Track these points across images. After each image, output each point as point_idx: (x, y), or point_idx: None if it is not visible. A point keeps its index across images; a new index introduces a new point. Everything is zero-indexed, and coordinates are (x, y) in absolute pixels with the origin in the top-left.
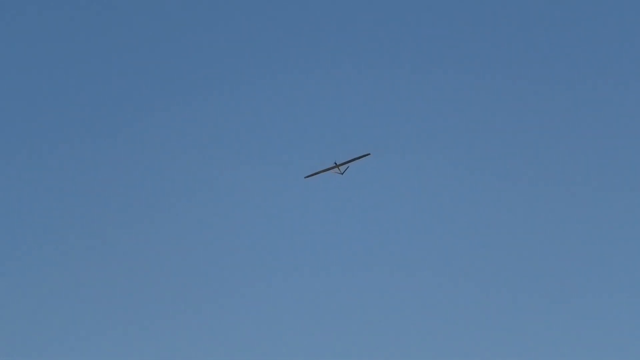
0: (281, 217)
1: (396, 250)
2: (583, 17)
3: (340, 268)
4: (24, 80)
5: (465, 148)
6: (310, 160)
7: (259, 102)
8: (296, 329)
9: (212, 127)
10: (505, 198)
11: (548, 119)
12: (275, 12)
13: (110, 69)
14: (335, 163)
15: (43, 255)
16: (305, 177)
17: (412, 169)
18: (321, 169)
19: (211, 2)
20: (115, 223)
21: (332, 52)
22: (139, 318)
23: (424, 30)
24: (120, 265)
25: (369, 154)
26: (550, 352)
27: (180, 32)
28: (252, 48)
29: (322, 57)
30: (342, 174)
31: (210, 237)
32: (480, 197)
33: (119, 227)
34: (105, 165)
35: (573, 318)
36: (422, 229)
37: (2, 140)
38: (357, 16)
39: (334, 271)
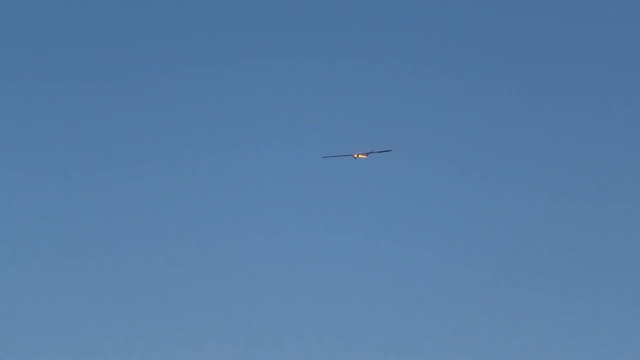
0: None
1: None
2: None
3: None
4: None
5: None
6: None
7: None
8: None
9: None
10: (515, 197)
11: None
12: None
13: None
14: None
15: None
16: (323, 157)
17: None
18: (340, 154)
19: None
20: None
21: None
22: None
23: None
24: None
25: (390, 150)
26: (550, 352)
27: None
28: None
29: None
30: (366, 156)
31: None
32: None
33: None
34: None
35: (572, 318)
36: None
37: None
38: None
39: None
